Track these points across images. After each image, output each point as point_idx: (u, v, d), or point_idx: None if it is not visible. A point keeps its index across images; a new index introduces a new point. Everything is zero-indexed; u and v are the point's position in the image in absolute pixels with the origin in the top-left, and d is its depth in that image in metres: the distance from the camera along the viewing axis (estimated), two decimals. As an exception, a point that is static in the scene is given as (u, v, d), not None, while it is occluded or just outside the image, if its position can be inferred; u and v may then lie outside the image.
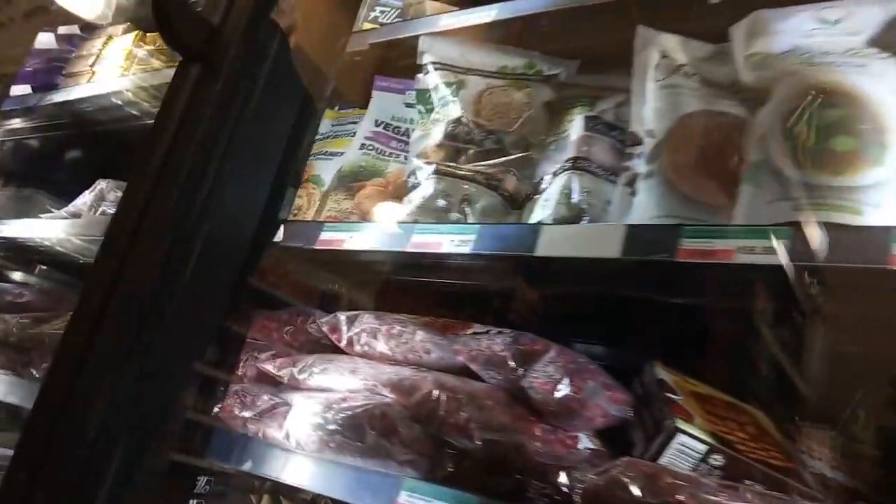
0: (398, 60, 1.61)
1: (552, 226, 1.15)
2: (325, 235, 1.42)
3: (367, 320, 1.34)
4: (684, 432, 1.05)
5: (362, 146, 1.57)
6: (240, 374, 1.48)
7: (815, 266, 0.91)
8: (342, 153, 1.64)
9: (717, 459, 1.05)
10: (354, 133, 1.66)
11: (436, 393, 1.13)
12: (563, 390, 1.11)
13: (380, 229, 1.34)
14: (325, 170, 1.63)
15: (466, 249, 1.18)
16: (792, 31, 1.10)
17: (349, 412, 1.16)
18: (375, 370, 1.23)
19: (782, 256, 0.92)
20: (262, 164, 1.36)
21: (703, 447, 1.05)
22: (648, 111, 1.17)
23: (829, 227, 0.92)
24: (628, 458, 1.03)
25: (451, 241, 1.21)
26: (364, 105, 1.68)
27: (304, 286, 1.69)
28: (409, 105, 1.59)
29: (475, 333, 1.24)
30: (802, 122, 0.99)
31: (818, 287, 0.96)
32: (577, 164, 1.21)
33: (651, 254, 1.04)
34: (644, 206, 1.12)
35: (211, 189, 1.09)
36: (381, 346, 1.28)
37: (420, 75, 1.49)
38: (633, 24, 1.27)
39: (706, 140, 1.10)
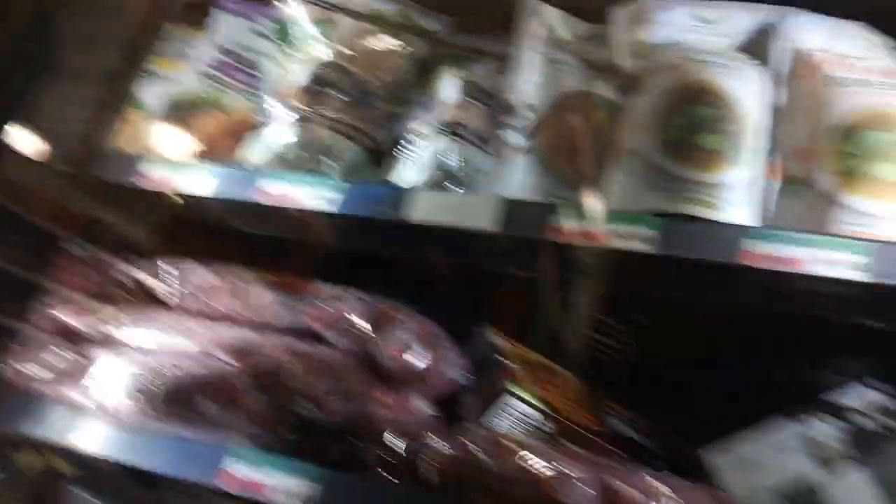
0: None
1: (429, 192, 1.10)
2: (150, 171, 1.24)
3: (201, 274, 1.20)
4: (514, 395, 1.09)
5: (205, 75, 1.38)
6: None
7: (679, 256, 0.97)
8: (172, 77, 1.44)
9: (547, 422, 1.10)
10: (186, 55, 1.45)
11: (286, 362, 1.04)
12: (413, 359, 1.09)
13: (223, 171, 1.20)
14: (148, 92, 1.42)
15: (333, 208, 1.09)
16: (672, 24, 1.14)
17: (181, 379, 1.03)
18: (212, 332, 1.11)
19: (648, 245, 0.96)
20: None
21: (534, 412, 1.10)
22: (529, 84, 1.16)
23: (690, 220, 0.99)
24: (474, 426, 1.05)
25: (314, 195, 1.11)
26: (194, 23, 1.48)
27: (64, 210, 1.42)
28: (258, 34, 1.42)
29: (325, 295, 1.16)
30: (676, 116, 1.04)
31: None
32: (454, 130, 1.16)
33: (523, 228, 1.04)
34: (518, 179, 1.11)
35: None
36: (219, 306, 1.15)
37: (279, 3, 1.33)
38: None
39: (583, 121, 1.11)
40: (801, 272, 0.91)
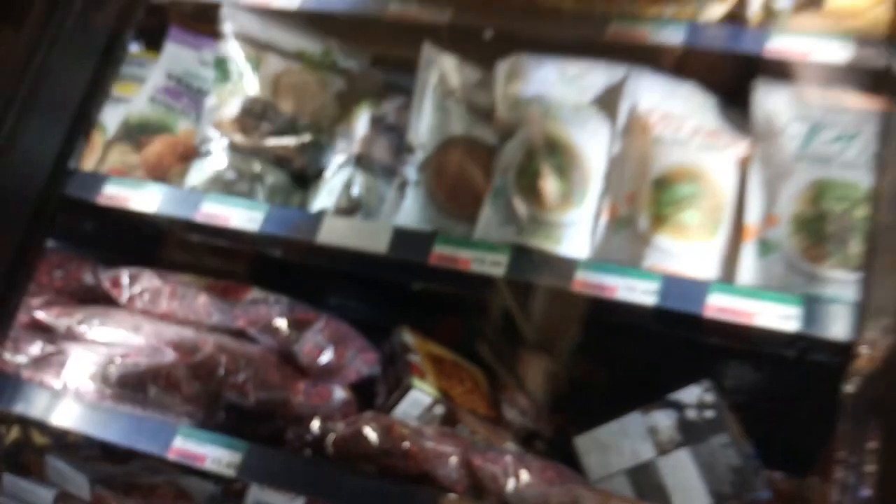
0: (198, 17, 1.68)
1: (333, 217, 1.39)
2: (108, 190, 1.52)
3: (150, 279, 1.50)
4: (416, 388, 1.39)
5: (153, 99, 1.65)
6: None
7: (525, 280, 1.28)
8: (128, 99, 1.70)
9: (439, 409, 1.41)
10: (141, 78, 1.72)
11: (216, 354, 1.36)
12: (325, 356, 1.41)
13: (170, 192, 1.48)
14: (108, 114, 1.68)
15: (255, 227, 1.38)
16: (541, 80, 1.42)
17: (132, 367, 1.34)
18: (158, 328, 1.42)
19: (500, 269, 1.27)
20: (57, 114, 1.43)
21: (429, 400, 1.39)
22: (423, 126, 1.45)
23: (538, 252, 1.29)
24: (370, 412, 1.36)
25: (241, 216, 1.41)
26: (151, 46, 1.75)
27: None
28: (204, 64, 1.69)
29: (254, 300, 1.47)
30: (532, 162, 1.34)
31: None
32: (360, 162, 1.45)
33: (410, 254, 1.34)
34: (409, 210, 1.41)
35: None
36: (164, 307, 1.46)
37: (221, 42, 1.60)
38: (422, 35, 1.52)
39: (463, 161, 1.41)
40: (614, 298, 1.21)
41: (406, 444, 1.27)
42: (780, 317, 1.14)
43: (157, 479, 1.56)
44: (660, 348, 1.51)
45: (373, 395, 1.49)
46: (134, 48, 1.77)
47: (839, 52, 1.24)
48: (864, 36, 1.23)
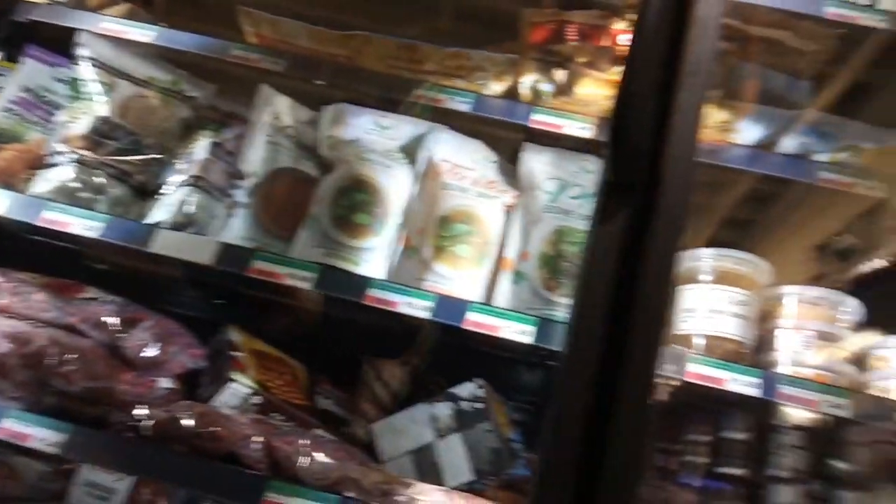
0: (57, 40, 1.85)
1: (166, 230, 1.61)
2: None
3: (-10, 275, 1.65)
4: (235, 380, 1.62)
5: (7, 109, 1.80)
6: None
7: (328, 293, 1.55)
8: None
9: (256, 399, 1.64)
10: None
11: (47, 346, 1.53)
12: (150, 351, 1.61)
13: (14, 198, 1.64)
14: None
15: (94, 234, 1.58)
16: (359, 126, 1.72)
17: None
18: (-6, 321, 1.57)
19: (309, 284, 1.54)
20: None
21: (247, 391, 1.63)
22: (255, 157, 1.71)
23: (340, 271, 1.57)
24: (188, 401, 1.57)
25: (81, 224, 1.59)
26: (12, 59, 1.89)
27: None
28: (58, 80, 1.86)
29: (88, 299, 1.65)
30: (343, 197, 1.62)
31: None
32: (197, 183, 1.67)
33: (233, 266, 1.58)
34: (237, 228, 1.65)
35: None
36: (3, 301, 1.61)
37: (77, 64, 1.78)
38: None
39: (288, 191, 1.67)
40: (397, 311, 1.51)
41: (215, 428, 1.51)
42: (519, 332, 1.48)
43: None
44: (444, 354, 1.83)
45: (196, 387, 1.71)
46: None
47: (583, 129, 1.61)
48: (601, 117, 1.62)
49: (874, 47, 1.68)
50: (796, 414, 1.69)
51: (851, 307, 1.66)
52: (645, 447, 0.96)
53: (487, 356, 1.76)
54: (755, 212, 2.12)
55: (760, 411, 1.70)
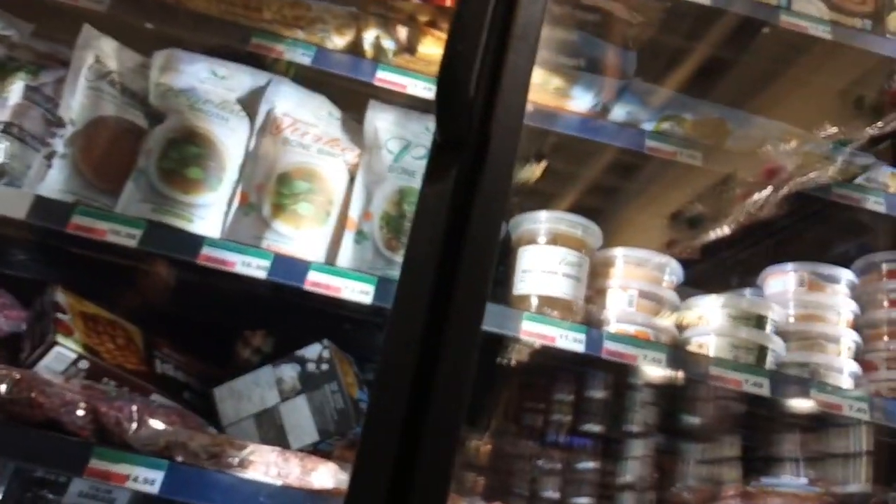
0: None
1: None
2: None
3: None
4: (60, 344, 1.52)
5: None
6: None
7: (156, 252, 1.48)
8: None
9: (83, 364, 1.54)
10: None
11: None
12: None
13: None
14: None
15: None
16: (192, 74, 1.63)
17: None
18: None
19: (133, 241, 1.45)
20: None
21: (73, 355, 1.52)
22: (75, 103, 1.58)
23: (170, 228, 1.50)
24: (4, 366, 1.46)
25: None
26: None
27: None
28: None
29: None
30: (174, 149, 1.54)
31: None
32: (8, 130, 1.53)
33: (50, 221, 1.46)
34: (55, 180, 1.53)
35: None
36: None
37: None
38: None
39: (112, 140, 1.57)
40: (234, 271, 1.47)
41: (32, 394, 1.41)
42: (359, 292, 1.48)
43: None
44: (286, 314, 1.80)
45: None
46: None
47: (428, 90, 1.61)
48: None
49: (726, 28, 1.81)
50: (650, 372, 1.83)
51: (674, 269, 1.80)
52: (466, 396, 0.99)
53: (344, 318, 1.76)
54: (621, 180, 2.24)
55: (616, 371, 1.82)
